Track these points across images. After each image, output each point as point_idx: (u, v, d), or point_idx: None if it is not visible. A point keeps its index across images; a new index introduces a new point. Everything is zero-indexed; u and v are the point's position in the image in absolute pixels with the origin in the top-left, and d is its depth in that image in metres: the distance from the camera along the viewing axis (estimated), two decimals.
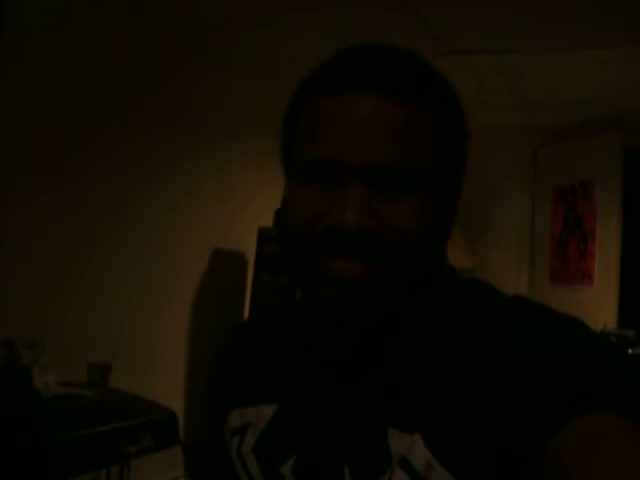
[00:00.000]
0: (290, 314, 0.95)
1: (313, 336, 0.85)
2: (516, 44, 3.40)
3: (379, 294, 0.73)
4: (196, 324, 3.80)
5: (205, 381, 1.02)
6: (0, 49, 2.48)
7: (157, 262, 3.45)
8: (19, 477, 1.96)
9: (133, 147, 3.27)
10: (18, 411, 2.12)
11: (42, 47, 2.73)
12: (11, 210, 2.65)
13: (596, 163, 4.41)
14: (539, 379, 0.64)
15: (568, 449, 0.59)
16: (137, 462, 2.30)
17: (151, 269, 3.41)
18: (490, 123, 4.59)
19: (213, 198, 3.88)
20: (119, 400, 2.59)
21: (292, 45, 3.43)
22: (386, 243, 0.71)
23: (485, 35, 3.32)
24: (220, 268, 3.97)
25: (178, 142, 3.55)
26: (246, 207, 4.04)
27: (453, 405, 0.70)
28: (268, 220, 3.70)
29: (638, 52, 3.33)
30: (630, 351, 3.42)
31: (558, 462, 0.60)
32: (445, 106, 0.76)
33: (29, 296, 2.72)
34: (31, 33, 2.67)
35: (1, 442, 1.98)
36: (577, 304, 4.20)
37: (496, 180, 4.92)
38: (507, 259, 4.93)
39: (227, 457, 0.89)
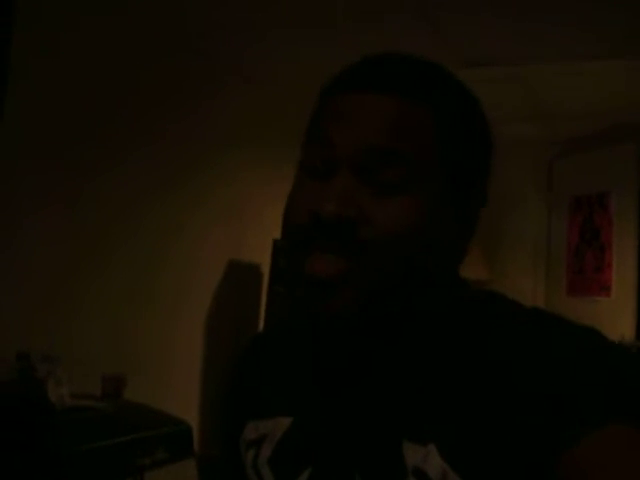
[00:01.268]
0: (301, 325, 0.94)
1: (314, 344, 0.85)
2: (532, 55, 3.39)
3: (357, 292, 0.72)
4: (211, 336, 3.79)
5: (220, 393, 1.02)
6: (12, 58, 2.50)
7: (172, 274, 3.46)
8: None
9: (146, 159, 3.28)
10: (32, 424, 2.13)
11: (55, 55, 2.75)
12: (25, 223, 2.67)
13: (612, 173, 4.38)
14: (558, 388, 0.64)
15: (587, 459, 0.59)
16: (151, 474, 2.29)
17: (166, 281, 3.42)
18: (506, 134, 4.58)
19: (228, 209, 3.88)
20: (133, 412, 2.58)
21: (303, 57, 3.44)
22: (364, 239, 0.70)
23: (501, 47, 3.32)
24: (235, 280, 3.97)
25: (192, 153, 3.56)
26: (261, 219, 4.04)
27: (467, 414, 0.69)
28: None
29: None
30: None
31: (576, 472, 0.59)
32: (447, 108, 0.76)
33: (44, 309, 2.73)
34: (44, 42, 2.69)
35: (16, 454, 1.99)
36: (594, 316, 4.15)
37: (512, 191, 4.90)
38: (523, 270, 4.90)
39: (242, 470, 0.89)
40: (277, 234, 3.83)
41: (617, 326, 4.01)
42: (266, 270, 4.07)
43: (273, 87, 3.86)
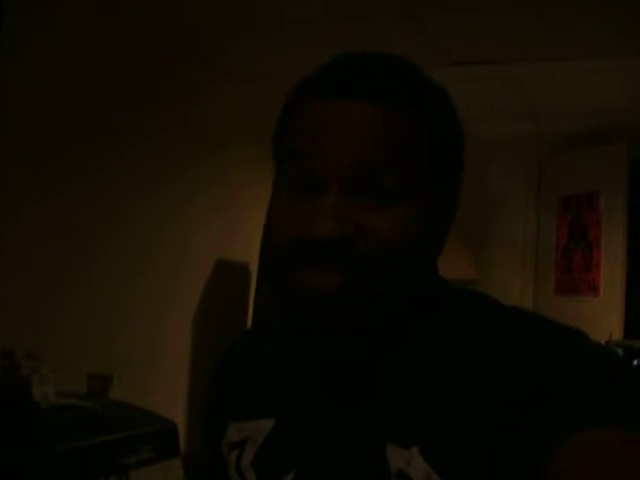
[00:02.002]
0: (285, 326, 0.93)
1: (303, 349, 0.84)
2: (521, 54, 3.39)
3: (358, 305, 0.71)
4: (198, 335, 3.78)
5: (205, 393, 1.02)
6: (3, 54, 2.49)
7: (159, 272, 3.44)
8: None
9: (134, 155, 3.27)
10: (16, 423, 2.11)
11: (48, 50, 2.74)
12: (12, 219, 2.65)
13: (602, 173, 4.39)
14: (544, 389, 0.63)
15: (573, 461, 0.58)
16: (137, 473, 2.28)
17: (153, 279, 3.41)
18: (495, 133, 4.59)
19: (216, 208, 3.87)
20: (119, 411, 2.56)
21: (298, 53, 3.43)
22: (363, 253, 0.69)
23: (490, 45, 3.32)
24: (223, 279, 3.96)
25: (181, 150, 3.55)
26: (250, 217, 4.03)
27: (451, 417, 0.69)
28: None
29: None
30: (636, 362, 3.40)
31: (562, 474, 0.58)
32: (432, 113, 0.74)
33: (29, 306, 2.72)
34: (37, 37, 2.68)
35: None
36: (582, 315, 4.17)
37: (501, 190, 4.91)
38: (512, 270, 4.91)
39: (225, 471, 0.88)
40: None
41: (605, 325, 4.02)
42: (254, 269, 4.07)
43: (265, 86, 3.85)
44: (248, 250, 4.06)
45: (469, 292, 0.82)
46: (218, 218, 3.89)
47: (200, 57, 3.59)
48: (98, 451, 2.19)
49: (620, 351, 3.65)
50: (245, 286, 4.18)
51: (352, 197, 0.69)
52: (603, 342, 3.77)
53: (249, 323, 4.05)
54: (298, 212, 0.71)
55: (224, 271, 3.96)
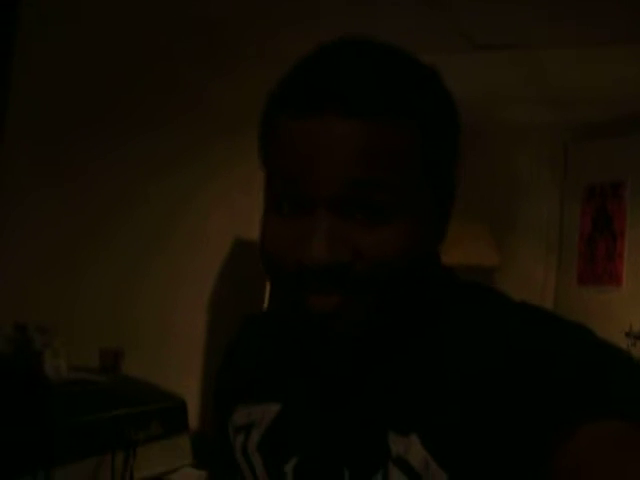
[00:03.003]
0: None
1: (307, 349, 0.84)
2: (547, 39, 3.34)
3: (357, 325, 0.71)
4: (213, 313, 3.80)
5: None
6: (20, 38, 2.50)
7: (176, 249, 3.46)
8: (24, 461, 1.98)
9: (154, 134, 3.27)
10: (26, 397, 2.14)
11: (50, 40, 2.72)
12: (23, 192, 2.67)
13: (628, 163, 4.34)
14: (549, 383, 0.63)
15: (578, 453, 0.58)
16: (144, 449, 2.30)
17: (169, 255, 3.42)
18: (520, 119, 4.54)
19: (236, 186, 3.87)
20: (129, 386, 2.59)
21: (315, 35, 3.40)
22: (359, 275, 0.68)
23: (516, 30, 3.27)
24: (241, 257, 3.96)
25: (201, 129, 3.55)
26: None
27: (451, 406, 0.69)
28: None
29: None
30: None
31: (567, 466, 0.58)
32: (425, 123, 0.70)
33: (42, 280, 2.74)
34: (40, 29, 2.67)
35: (9, 427, 2.00)
36: (604, 305, 4.15)
37: (525, 177, 4.86)
38: (535, 258, 4.86)
39: (231, 452, 0.89)
40: None
41: (626, 316, 3.99)
42: None
43: (286, 65, 3.83)
44: None
45: (476, 285, 0.81)
46: (238, 196, 3.88)
47: (218, 40, 3.57)
48: (106, 426, 2.22)
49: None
50: None
51: (344, 217, 0.68)
52: (623, 333, 3.74)
53: (266, 302, 4.06)
54: (291, 235, 0.70)
55: (242, 249, 3.96)
